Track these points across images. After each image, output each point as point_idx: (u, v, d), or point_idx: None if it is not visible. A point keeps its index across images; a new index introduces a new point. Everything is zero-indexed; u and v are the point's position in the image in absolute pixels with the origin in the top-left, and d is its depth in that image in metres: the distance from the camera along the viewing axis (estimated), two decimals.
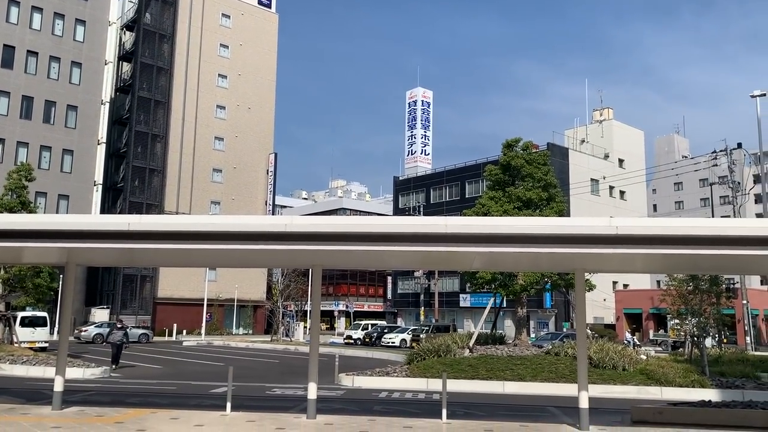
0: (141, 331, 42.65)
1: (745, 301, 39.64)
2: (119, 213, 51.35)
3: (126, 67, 58.01)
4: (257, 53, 62.69)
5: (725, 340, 35.39)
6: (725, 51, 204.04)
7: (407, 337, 38.68)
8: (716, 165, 41.55)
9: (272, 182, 61.15)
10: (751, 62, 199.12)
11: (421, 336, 35.19)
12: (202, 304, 49.21)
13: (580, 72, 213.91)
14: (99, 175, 50.32)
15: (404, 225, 9.98)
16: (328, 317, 69.17)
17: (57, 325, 36.44)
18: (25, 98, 46.63)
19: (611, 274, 53.18)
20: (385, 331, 42.34)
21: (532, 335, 41.47)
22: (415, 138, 69.60)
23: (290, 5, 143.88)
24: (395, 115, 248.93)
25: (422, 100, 70.06)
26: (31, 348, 25.66)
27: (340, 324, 66.77)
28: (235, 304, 55.66)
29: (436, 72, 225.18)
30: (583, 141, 64.10)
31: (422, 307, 59.01)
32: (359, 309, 67.05)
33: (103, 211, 51.98)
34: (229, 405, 11.56)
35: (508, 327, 46.14)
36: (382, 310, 71.26)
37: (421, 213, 58.94)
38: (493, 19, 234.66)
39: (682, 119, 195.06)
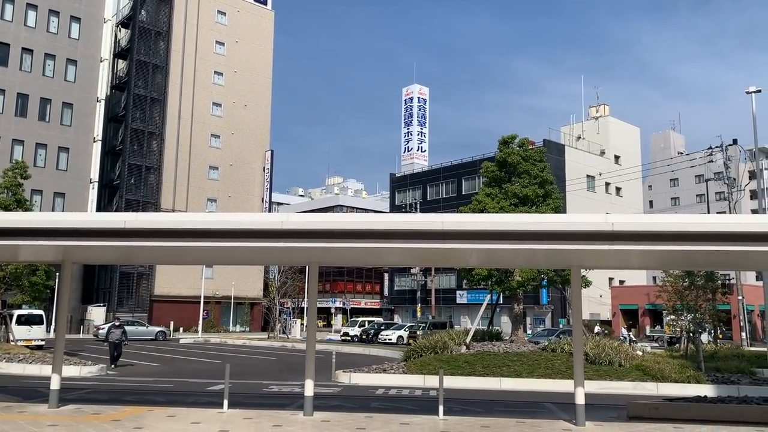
0: (158, 329, 43.15)
1: (740, 297, 39.77)
2: (115, 211, 51.23)
3: (121, 64, 57.85)
4: (253, 50, 62.58)
5: (721, 336, 35.50)
6: (721, 47, 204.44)
7: (404, 333, 38.74)
8: (712, 161, 41.65)
9: (269, 179, 61.11)
10: (747, 58, 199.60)
11: (418, 333, 35.28)
12: (199, 302, 49.19)
13: (577, 69, 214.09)
14: (95, 173, 50.23)
15: (401, 222, 9.99)
16: (325, 314, 69.19)
17: (53, 323, 36.41)
18: (20, 96, 46.49)
19: (607, 271, 53.32)
20: (382, 327, 42.39)
21: (529, 332, 41.61)
22: (411, 135, 69.60)
23: (287, 2, 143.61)
24: (392, 112, 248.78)
25: (418, 97, 70.04)
26: (27, 346, 25.61)
27: (337, 321, 66.83)
28: (232, 301, 55.67)
29: (434, 69, 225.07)
30: (579, 137, 64.18)
31: (419, 304, 59.10)
32: (356, 306, 67.09)
33: (99, 208, 51.90)
34: (226, 402, 11.57)
35: (504, 323, 46.26)
36: (379, 307, 71.31)
37: (418, 210, 58.99)
38: (491, 16, 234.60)
39: (677, 116, 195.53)
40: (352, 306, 63.20)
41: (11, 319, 26.73)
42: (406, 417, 11.25)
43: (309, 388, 11.18)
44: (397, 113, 72.78)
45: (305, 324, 46.64)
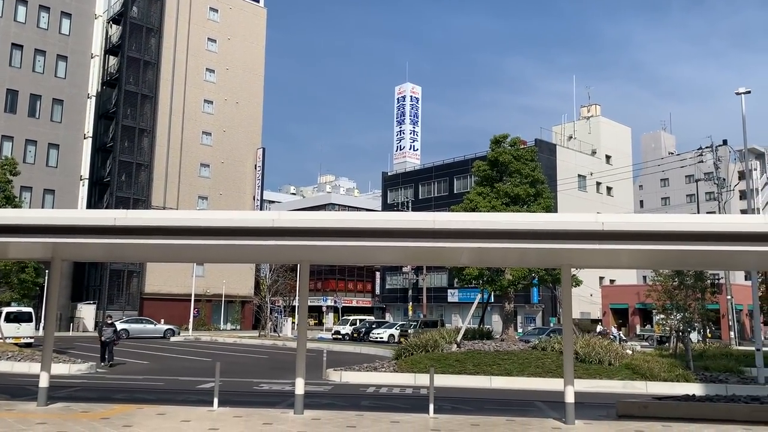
0: (166, 326, 43.30)
1: (729, 297, 40.04)
2: (106, 208, 50.96)
3: (112, 60, 57.54)
4: (245, 47, 62.39)
5: (710, 335, 35.77)
6: (713, 47, 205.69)
7: (395, 332, 38.77)
8: (702, 161, 41.93)
9: (260, 177, 60.97)
10: (739, 59, 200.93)
11: (409, 331, 35.31)
12: (190, 300, 49.01)
13: (570, 68, 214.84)
14: (85, 170, 49.94)
15: (392, 221, 9.99)
16: (317, 313, 69.15)
17: (42, 321, 36.18)
18: (10, 92, 46.16)
19: (598, 270, 53.59)
20: (373, 326, 42.40)
21: (520, 330, 41.73)
22: (403, 133, 69.61)
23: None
24: (385, 110, 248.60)
25: (411, 96, 70.06)
26: (16, 344, 25.46)
27: (329, 319, 66.80)
28: (223, 299, 55.53)
29: (427, 67, 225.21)
30: (570, 137, 64.41)
31: (410, 303, 59.16)
32: (347, 304, 67.07)
33: (89, 206, 51.61)
34: (216, 400, 11.54)
35: (495, 322, 46.38)
36: (370, 305, 71.33)
37: (410, 208, 59.01)
38: (485, 15, 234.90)
39: (668, 116, 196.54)
40: (343, 304, 63.18)
41: (0, 317, 26.54)
42: (396, 415, 11.26)
43: (299, 387, 11.17)
44: (390, 111, 72.81)
45: (296, 322, 46.54)
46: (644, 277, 54.67)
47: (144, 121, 55.37)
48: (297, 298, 43.19)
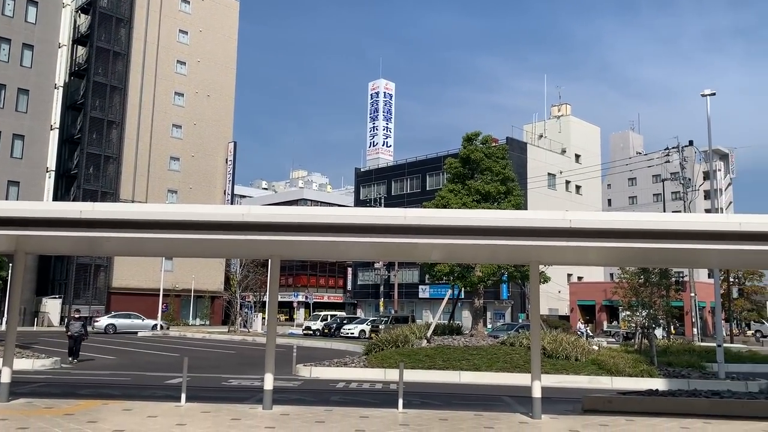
0: (154, 321, 43.17)
1: (693, 294, 40.98)
2: (73, 201, 49.96)
3: (81, 50, 56.37)
4: (217, 40, 61.65)
5: (674, 332, 36.57)
6: (681, 49, 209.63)
7: (366, 328, 38.82)
8: (668, 162, 42.81)
9: (231, 171, 60.40)
10: (706, 61, 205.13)
11: (380, 327, 35.37)
12: (158, 295, 48.40)
13: (541, 67, 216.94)
14: (51, 162, 48.84)
15: (364, 216, 10.00)
16: (288, 308, 68.85)
17: (5, 315, 35.37)
18: None
19: (566, 267, 54.36)
20: (345, 322, 42.39)
21: (489, 326, 42.12)
22: (377, 130, 69.58)
23: None
24: (358, 106, 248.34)
25: (384, 92, 70.05)
26: None
27: (299, 315, 66.58)
28: (192, 294, 54.92)
29: (400, 64, 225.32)
30: (541, 136, 65.11)
31: (382, 299, 59.26)
32: (319, 300, 66.93)
33: (55, 198, 50.54)
34: (183, 396, 11.43)
35: (465, 318, 46.73)
36: (341, 301, 71.28)
37: (382, 205, 59.07)
38: (458, 13, 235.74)
39: (637, 116, 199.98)
40: (314, 300, 63.05)
41: None
42: (365, 410, 11.29)
43: (269, 382, 11.12)
44: (364, 107, 72.76)
45: (266, 318, 46.16)
46: (611, 275, 55.58)
47: (113, 113, 54.39)
48: (267, 293, 43.01)
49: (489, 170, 25.49)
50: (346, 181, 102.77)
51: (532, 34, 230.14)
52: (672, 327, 35.25)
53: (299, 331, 44.17)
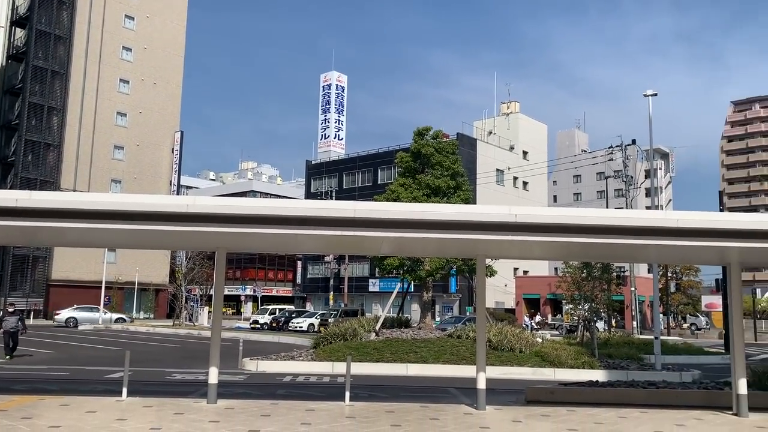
0: (117, 315, 42.78)
1: (633, 288, 42.37)
2: (9, 189, 47.96)
3: (20, 33, 54.04)
4: (165, 27, 60.09)
5: (614, 325, 37.75)
6: (626, 51, 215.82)
7: (315, 321, 38.65)
8: (612, 160, 44.07)
9: (178, 161, 59.11)
10: (649, 63, 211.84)
11: (330, 320, 35.30)
12: (100, 287, 46.99)
13: (492, 65, 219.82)
14: None
15: (312, 209, 9.92)
16: (235, 302, 67.88)
17: None
18: None
19: (513, 261, 55.36)
20: (293, 315, 42.10)
21: (437, 319, 42.57)
22: (328, 122, 69.16)
23: None
24: (310, 97, 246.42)
25: (336, 84, 69.64)
26: None
27: (247, 309, 65.71)
28: (136, 287, 53.57)
29: (353, 56, 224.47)
30: (490, 132, 66.01)
31: (332, 292, 59.10)
32: (267, 294, 66.22)
33: None
34: (125, 390, 11.15)
35: (414, 311, 47.08)
36: (291, 294, 70.73)
37: (334, 198, 58.84)
38: (411, 7, 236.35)
39: (583, 115, 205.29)
40: (263, 294, 62.32)
41: None
42: (312, 403, 11.25)
43: (213, 376, 10.95)
44: (315, 99, 72.16)
45: (212, 311, 45.41)
46: (555, 269, 56.89)
47: (54, 99, 52.41)
48: (213, 286, 42.36)
49: (439, 165, 25.68)
50: (296, 174, 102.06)
51: (484, 32, 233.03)
52: (613, 320, 36.39)
53: (247, 325, 43.65)
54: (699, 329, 50.97)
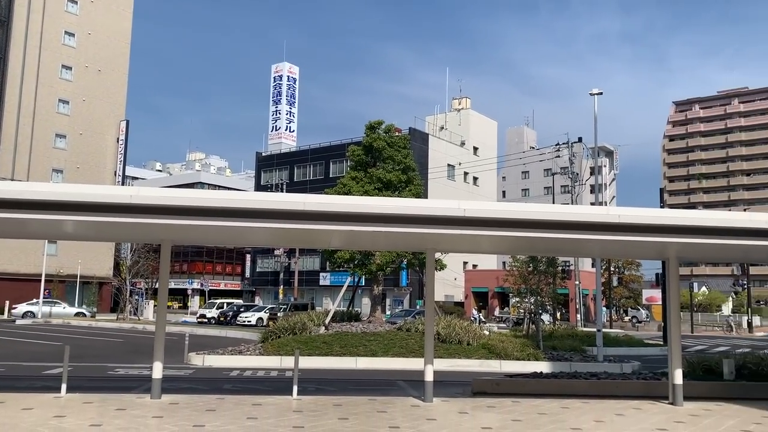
0: (77, 309, 42.39)
1: (577, 282, 43.44)
2: None
3: None
4: (110, 12, 58.23)
5: (559, 318, 38.68)
6: (575, 51, 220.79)
7: (264, 315, 38.28)
8: (559, 157, 45.00)
9: (123, 151, 57.47)
10: (596, 62, 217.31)
11: (279, 315, 34.99)
12: (40, 280, 45.32)
13: (445, 61, 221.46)
14: None
15: (261, 201, 9.80)
16: (182, 296, 66.62)
17: None
18: None
19: (462, 255, 56.04)
20: (242, 309, 41.56)
21: (388, 313, 42.77)
22: (279, 114, 68.43)
23: None
24: (261, 88, 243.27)
25: (288, 76, 68.96)
26: None
27: (194, 303, 64.56)
28: (78, 280, 51.87)
29: (306, 47, 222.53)
30: (442, 128, 66.56)
31: (282, 286, 58.61)
32: (215, 288, 65.20)
33: None
34: (64, 386, 10.80)
35: (365, 305, 47.16)
36: (239, 288, 69.84)
37: (285, 190, 58.29)
38: (366, 0, 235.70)
39: (532, 112, 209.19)
40: (210, 288, 61.31)
41: None
42: (259, 398, 11.14)
43: (157, 370, 10.72)
44: (266, 90, 71.27)
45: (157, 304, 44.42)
46: (504, 263, 57.86)
47: None
48: (158, 279, 41.43)
49: (391, 159, 25.73)
50: (246, 166, 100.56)
51: (439, 28, 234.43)
52: (558, 313, 37.26)
53: (193, 319, 42.87)
54: (640, 322, 52.73)
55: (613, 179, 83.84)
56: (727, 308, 60.82)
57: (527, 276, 22.97)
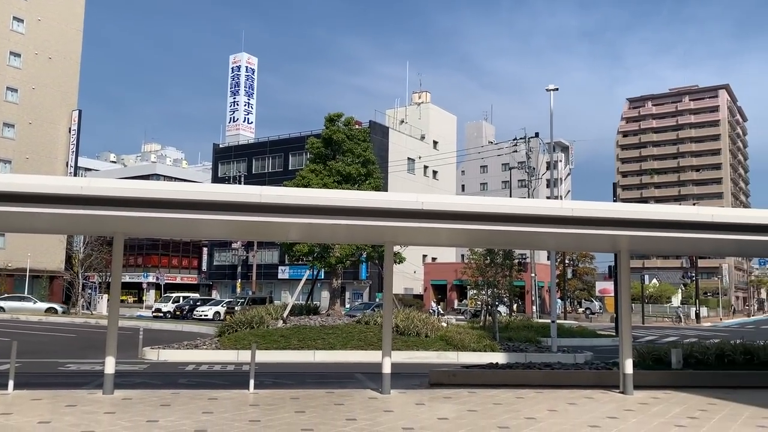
0: (48, 304, 39.85)
1: (533, 275, 44.27)
2: None
3: None
4: None
5: (515, 309, 39.35)
6: (533, 46, 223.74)
7: (221, 309, 37.84)
8: (516, 151, 45.68)
9: (75, 142, 55.84)
10: (554, 58, 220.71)
11: (237, 308, 34.64)
12: None
13: (405, 54, 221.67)
14: None
15: (216, 193, 9.67)
16: (137, 290, 65.24)
17: None
18: None
19: (422, 248, 56.41)
20: (198, 303, 41.01)
21: (348, 306, 42.78)
22: (237, 105, 67.50)
23: None
24: (218, 79, 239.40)
25: (247, 66, 68.02)
26: None
27: (150, 297, 63.35)
28: (27, 274, 50.26)
29: (264, 38, 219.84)
30: (402, 121, 66.70)
31: (239, 280, 57.96)
32: (171, 281, 64.10)
33: None
34: (11, 383, 10.48)
35: (324, 298, 46.99)
36: (196, 282, 68.84)
37: (242, 183, 57.54)
38: None
39: (490, 107, 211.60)
40: (166, 281, 60.22)
41: None
42: (215, 392, 11.02)
43: (110, 365, 10.49)
44: (224, 80, 70.23)
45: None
46: (462, 256, 58.52)
47: None
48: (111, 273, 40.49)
49: (351, 152, 25.72)
50: (203, 157, 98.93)
51: (398, 20, 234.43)
52: (514, 305, 37.90)
53: (149, 313, 42.10)
54: (593, 313, 54.01)
55: (569, 174, 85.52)
56: (676, 300, 62.71)
57: (484, 268, 23.26)
